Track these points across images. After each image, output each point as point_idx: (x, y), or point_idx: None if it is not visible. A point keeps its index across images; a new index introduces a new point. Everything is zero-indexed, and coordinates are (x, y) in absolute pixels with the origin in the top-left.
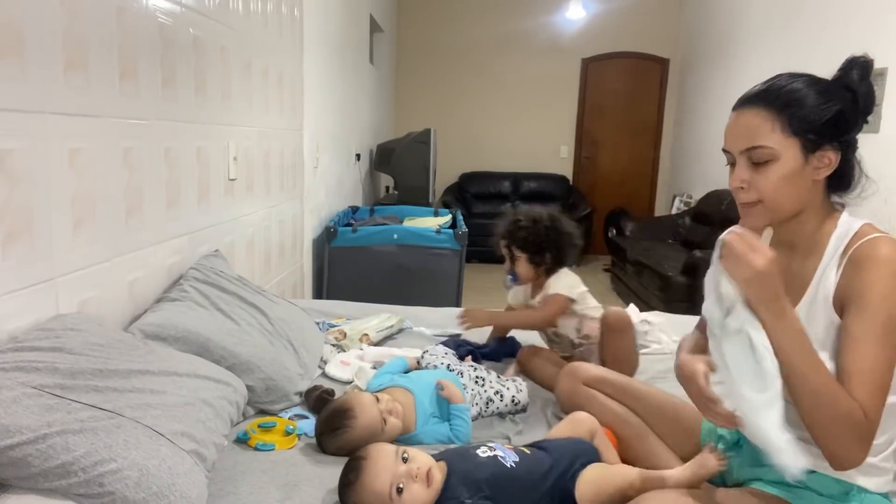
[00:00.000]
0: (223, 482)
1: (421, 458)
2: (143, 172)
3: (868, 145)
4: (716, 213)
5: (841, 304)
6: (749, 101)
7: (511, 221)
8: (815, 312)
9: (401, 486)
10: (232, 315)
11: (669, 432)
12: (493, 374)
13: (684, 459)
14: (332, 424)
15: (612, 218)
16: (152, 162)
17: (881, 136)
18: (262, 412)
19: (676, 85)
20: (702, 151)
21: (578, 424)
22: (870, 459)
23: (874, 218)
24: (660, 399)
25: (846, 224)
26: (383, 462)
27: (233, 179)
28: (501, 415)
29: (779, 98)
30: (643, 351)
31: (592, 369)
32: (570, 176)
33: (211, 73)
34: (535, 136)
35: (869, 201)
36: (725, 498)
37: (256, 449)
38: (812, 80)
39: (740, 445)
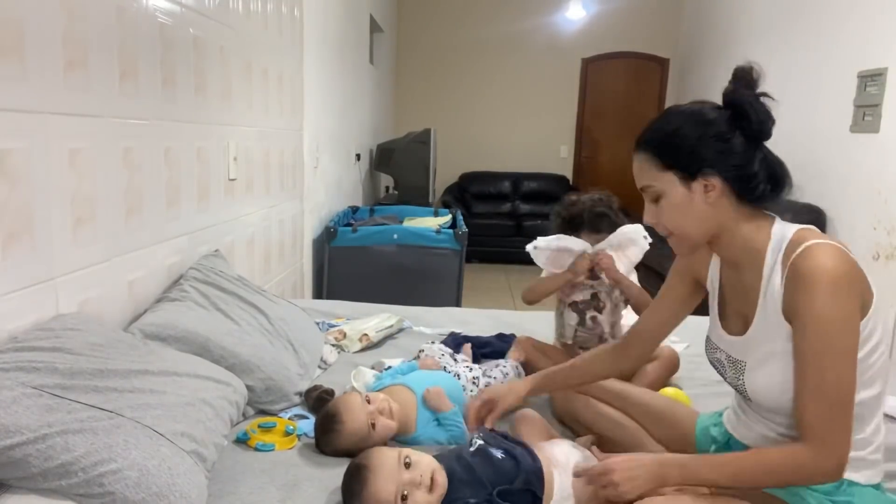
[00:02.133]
0: (223, 482)
1: (424, 464)
2: (143, 172)
3: (868, 145)
4: None
5: (788, 316)
6: (636, 143)
7: (571, 202)
8: (770, 325)
9: (405, 493)
10: (232, 315)
11: (665, 436)
12: (489, 372)
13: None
14: (322, 429)
15: None
16: (152, 162)
17: (881, 135)
18: (262, 412)
19: (676, 85)
20: None
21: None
22: (857, 454)
23: (874, 218)
24: (655, 403)
25: (779, 233)
26: (386, 470)
27: (233, 179)
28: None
29: (651, 139)
30: None
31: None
32: (570, 176)
33: (211, 73)
34: (535, 136)
35: (869, 201)
36: (720, 498)
37: (256, 449)
38: (681, 113)
39: (730, 447)
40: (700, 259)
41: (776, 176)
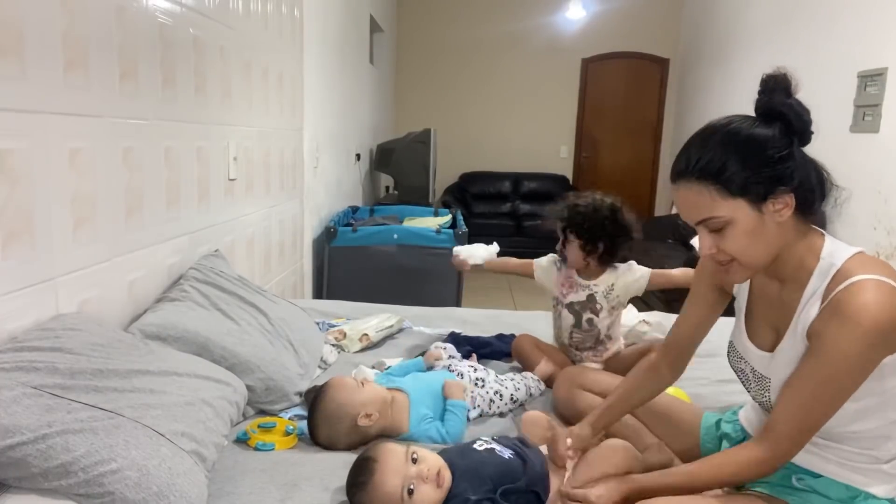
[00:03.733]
0: (223, 482)
1: (431, 459)
2: (143, 172)
3: (868, 145)
4: None
5: (809, 337)
6: (679, 176)
7: (572, 205)
8: (796, 347)
9: (412, 487)
10: (232, 315)
11: (669, 434)
12: (492, 373)
13: (684, 459)
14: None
15: None
16: (152, 162)
17: (881, 136)
18: (262, 412)
19: (676, 85)
20: None
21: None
22: (881, 466)
23: (874, 218)
24: (659, 401)
25: (829, 257)
26: (393, 464)
27: (233, 179)
28: (502, 414)
29: (707, 166)
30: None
31: (591, 373)
32: (570, 176)
33: (211, 73)
34: (535, 136)
35: (869, 201)
36: (733, 501)
37: (256, 449)
38: (731, 131)
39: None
40: None
41: (822, 179)
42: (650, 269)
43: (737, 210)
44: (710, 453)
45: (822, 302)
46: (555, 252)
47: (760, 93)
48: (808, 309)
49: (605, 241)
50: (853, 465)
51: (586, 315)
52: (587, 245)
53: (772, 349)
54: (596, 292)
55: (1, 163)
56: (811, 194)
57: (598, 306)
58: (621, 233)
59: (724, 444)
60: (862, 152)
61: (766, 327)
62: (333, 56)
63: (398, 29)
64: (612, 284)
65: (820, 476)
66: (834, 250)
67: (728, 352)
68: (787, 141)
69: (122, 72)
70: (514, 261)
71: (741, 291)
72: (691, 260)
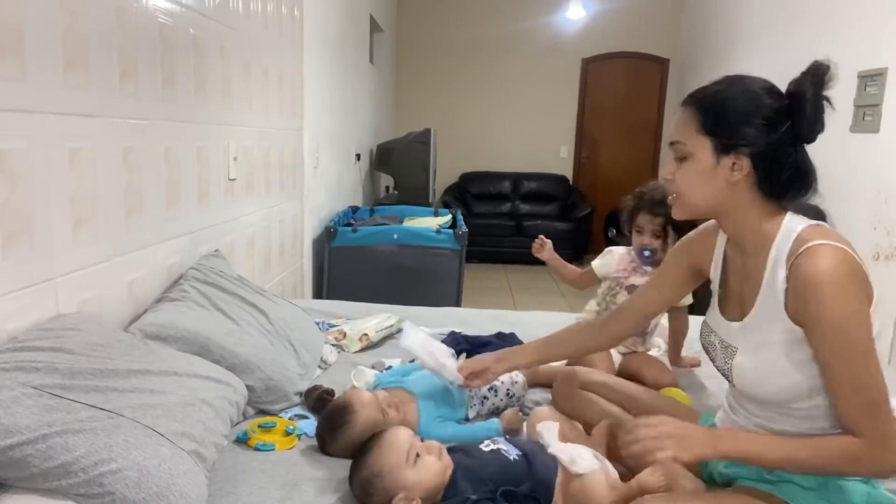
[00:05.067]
0: (223, 482)
1: (433, 442)
2: (143, 172)
3: (868, 145)
4: None
5: (797, 321)
6: (687, 98)
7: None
8: (768, 316)
9: (418, 454)
10: (232, 315)
11: None
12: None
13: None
14: (333, 423)
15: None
16: (152, 162)
17: (881, 135)
18: (262, 412)
19: (676, 85)
20: None
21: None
22: None
23: (874, 218)
24: (658, 403)
25: (788, 227)
26: (402, 435)
27: (233, 179)
28: (499, 409)
29: (705, 98)
30: (650, 352)
31: (590, 373)
32: (570, 176)
33: (211, 73)
34: (535, 136)
35: (869, 201)
36: (718, 498)
37: (256, 449)
38: (745, 85)
39: None
40: (702, 246)
41: (803, 179)
42: None
43: (699, 148)
44: (723, 476)
45: (787, 266)
46: (572, 259)
47: (801, 72)
48: (776, 274)
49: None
50: None
51: None
52: (676, 238)
53: (740, 319)
54: None
55: (1, 163)
56: (775, 178)
57: None
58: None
59: None
60: (862, 152)
61: (735, 300)
62: (333, 56)
63: (398, 29)
64: None
65: None
66: (793, 221)
67: (700, 330)
68: (783, 120)
69: (122, 72)
70: (570, 268)
71: (715, 273)
72: None
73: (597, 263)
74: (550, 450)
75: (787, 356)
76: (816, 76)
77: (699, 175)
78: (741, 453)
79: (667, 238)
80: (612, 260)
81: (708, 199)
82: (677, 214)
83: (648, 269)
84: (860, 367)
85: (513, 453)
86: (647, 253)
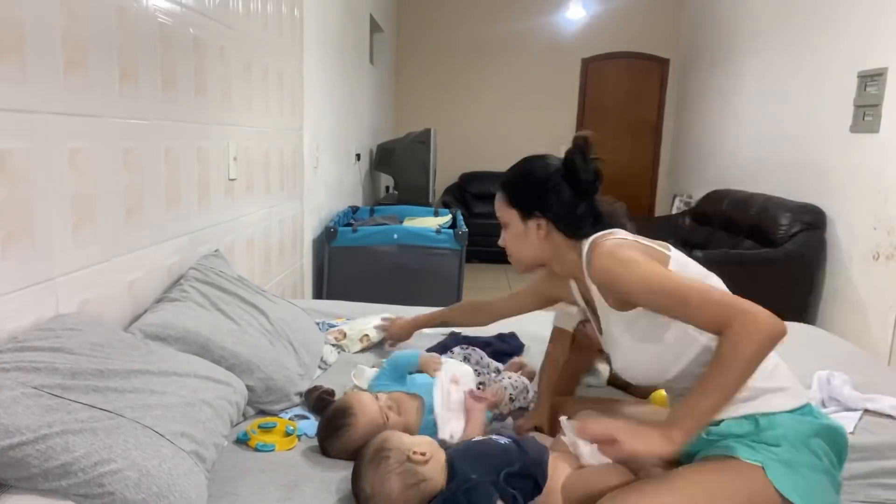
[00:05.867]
0: (223, 482)
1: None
2: (143, 172)
3: (868, 145)
4: (716, 213)
5: (620, 306)
6: (499, 184)
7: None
8: (609, 318)
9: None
10: (232, 315)
11: None
12: (493, 373)
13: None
14: (333, 426)
15: None
16: (152, 162)
17: (881, 136)
18: (262, 412)
19: (676, 85)
20: (702, 151)
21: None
22: (754, 385)
23: (874, 218)
24: (645, 413)
25: (582, 251)
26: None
27: (233, 179)
28: (502, 415)
29: (506, 182)
30: None
31: (574, 404)
32: None
33: (211, 74)
34: (535, 137)
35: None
36: (682, 477)
37: (256, 449)
38: (531, 165)
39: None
40: (560, 284)
41: (596, 219)
42: None
43: (512, 218)
44: (687, 455)
45: (589, 274)
46: None
47: (567, 150)
48: (594, 287)
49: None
50: (740, 398)
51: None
52: None
53: (601, 332)
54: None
55: (1, 163)
56: (575, 226)
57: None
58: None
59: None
60: (862, 152)
61: (596, 320)
62: (333, 56)
63: (398, 29)
64: None
65: (721, 421)
66: (586, 245)
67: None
68: (563, 183)
69: (122, 72)
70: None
71: (582, 306)
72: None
73: (557, 320)
74: (568, 439)
75: (632, 338)
76: (583, 148)
77: (517, 237)
78: (698, 417)
79: None
80: (563, 312)
81: (530, 252)
82: (517, 269)
83: None
84: (671, 289)
85: (502, 440)
86: None
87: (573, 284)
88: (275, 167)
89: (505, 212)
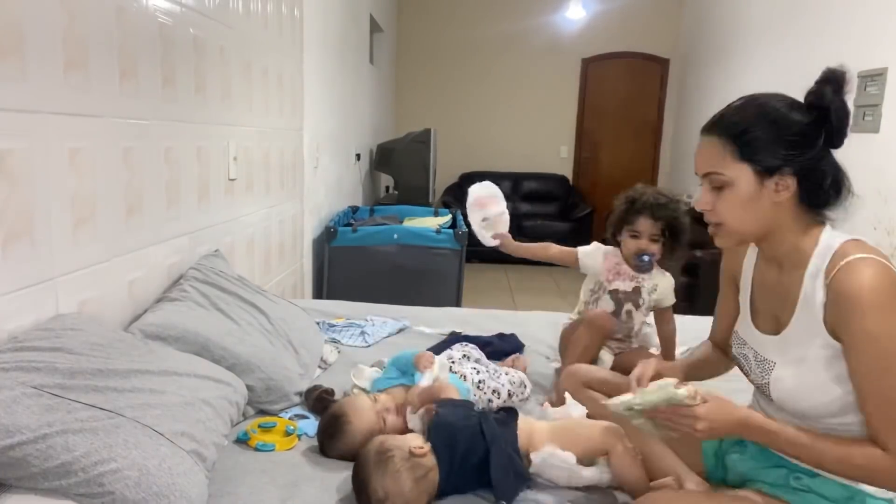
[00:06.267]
0: (223, 482)
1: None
2: (143, 172)
3: (868, 145)
4: None
5: (836, 336)
6: (708, 127)
7: (676, 208)
8: (806, 331)
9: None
10: (232, 315)
11: (667, 435)
12: (491, 371)
13: (683, 458)
14: (329, 431)
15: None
16: (152, 162)
17: (881, 136)
18: (262, 412)
19: (676, 85)
20: None
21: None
22: None
23: (874, 218)
24: None
25: (826, 242)
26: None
27: (233, 179)
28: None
29: (732, 125)
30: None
31: (594, 371)
32: (570, 176)
33: (211, 73)
34: (535, 136)
35: (869, 201)
36: (728, 499)
37: (256, 449)
38: (769, 104)
39: (745, 444)
40: (735, 256)
41: (839, 184)
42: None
43: (741, 174)
44: (709, 458)
45: (825, 282)
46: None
47: (816, 82)
48: (813, 289)
49: (664, 222)
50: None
51: (627, 306)
52: (675, 249)
53: (776, 333)
54: (643, 286)
55: (1, 163)
56: (818, 189)
57: (641, 301)
58: (686, 236)
59: (723, 445)
60: (862, 152)
61: (769, 313)
62: (333, 56)
63: (398, 29)
64: (657, 285)
65: (817, 475)
66: (831, 235)
67: (732, 340)
68: (816, 133)
69: (122, 72)
70: (554, 247)
71: (744, 284)
72: (691, 260)
73: (584, 251)
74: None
75: (827, 371)
76: (835, 83)
77: (742, 202)
78: (771, 447)
79: (663, 243)
80: (598, 255)
81: (753, 223)
82: (722, 243)
83: (632, 272)
84: (893, 380)
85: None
86: (645, 258)
87: (750, 255)
88: (275, 167)
89: (727, 166)
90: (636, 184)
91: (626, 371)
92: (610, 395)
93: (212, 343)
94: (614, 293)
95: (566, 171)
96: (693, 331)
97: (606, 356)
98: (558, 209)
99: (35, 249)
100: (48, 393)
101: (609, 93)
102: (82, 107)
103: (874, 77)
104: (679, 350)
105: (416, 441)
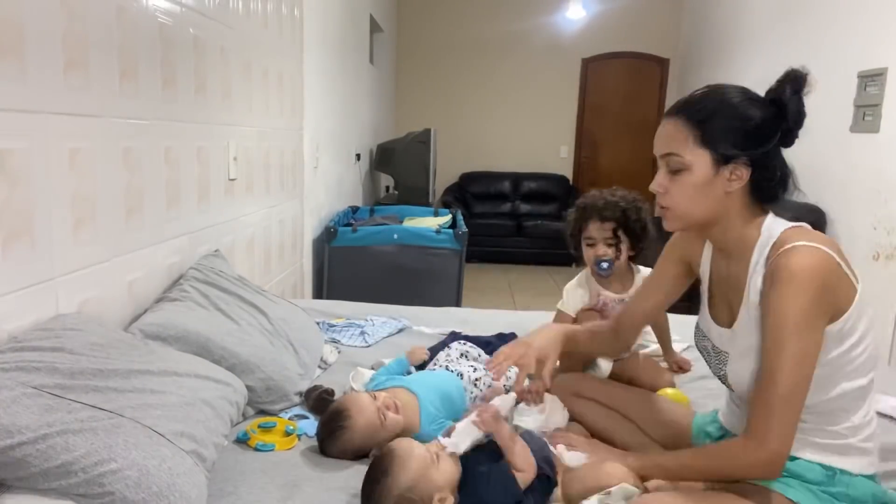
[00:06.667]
0: (223, 482)
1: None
2: (143, 172)
3: (868, 145)
4: None
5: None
6: (674, 110)
7: (625, 204)
8: (751, 320)
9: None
10: (232, 315)
11: (662, 436)
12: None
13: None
14: (329, 428)
15: None
16: (152, 162)
17: (881, 135)
18: (262, 412)
19: (676, 85)
20: None
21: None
22: (850, 441)
23: (874, 218)
24: (653, 404)
25: (768, 230)
26: (412, 444)
27: (233, 179)
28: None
29: (697, 111)
30: (641, 351)
31: (585, 380)
32: (570, 176)
33: (211, 74)
34: (535, 136)
35: (869, 201)
36: (721, 497)
37: (256, 449)
38: (733, 96)
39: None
40: (694, 245)
41: (786, 180)
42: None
43: (699, 160)
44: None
45: (766, 268)
46: (571, 261)
47: (778, 80)
48: (755, 279)
49: (644, 243)
50: (823, 444)
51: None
52: (636, 246)
53: (730, 325)
54: (629, 296)
55: (1, 163)
56: (769, 183)
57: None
58: (648, 233)
59: (706, 441)
60: (862, 152)
61: (724, 305)
62: (333, 56)
63: (398, 29)
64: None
65: (796, 458)
66: (773, 223)
67: (694, 334)
68: (773, 128)
69: (122, 72)
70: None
71: (704, 274)
72: None
73: (562, 304)
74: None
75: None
76: (795, 83)
77: (696, 187)
78: (650, 467)
79: (619, 245)
80: (576, 295)
81: (703, 209)
82: (669, 226)
83: (614, 296)
84: (778, 370)
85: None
86: (604, 265)
87: (707, 251)
88: (275, 167)
89: (689, 151)
90: (619, 186)
91: (627, 378)
92: (603, 403)
93: (212, 343)
94: (613, 301)
95: (566, 171)
96: (678, 328)
97: (604, 363)
98: (558, 209)
99: (35, 249)
100: (48, 393)
101: (609, 93)
102: (82, 107)
103: (874, 77)
104: (680, 347)
105: (442, 490)
